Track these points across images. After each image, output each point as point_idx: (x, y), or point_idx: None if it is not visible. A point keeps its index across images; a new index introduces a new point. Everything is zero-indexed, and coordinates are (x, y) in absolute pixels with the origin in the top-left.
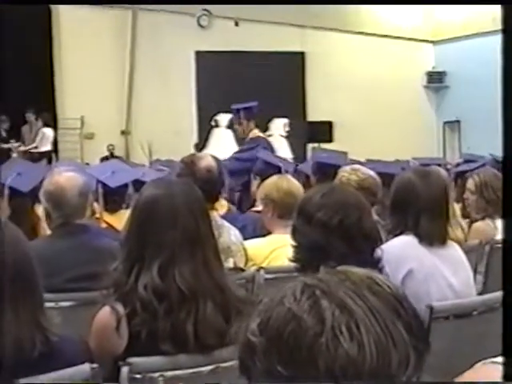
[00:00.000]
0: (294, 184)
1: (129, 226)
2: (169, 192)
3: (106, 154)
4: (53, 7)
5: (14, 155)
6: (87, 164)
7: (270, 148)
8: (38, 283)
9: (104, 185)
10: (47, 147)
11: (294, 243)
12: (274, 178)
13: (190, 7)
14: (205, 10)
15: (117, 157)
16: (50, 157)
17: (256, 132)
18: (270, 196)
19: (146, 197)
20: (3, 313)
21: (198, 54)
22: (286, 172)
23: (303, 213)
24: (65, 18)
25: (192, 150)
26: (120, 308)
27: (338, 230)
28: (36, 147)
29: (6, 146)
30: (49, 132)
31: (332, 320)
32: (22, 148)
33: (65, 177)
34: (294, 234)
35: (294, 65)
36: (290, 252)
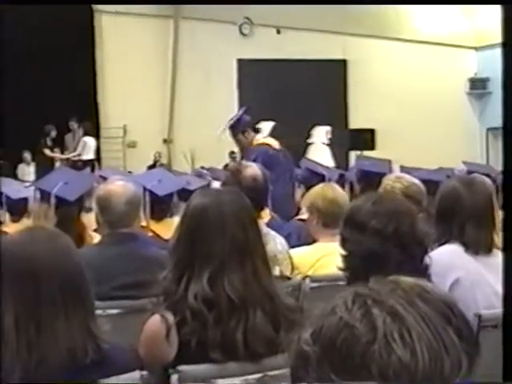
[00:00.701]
0: (339, 193)
1: (177, 234)
2: (217, 201)
3: (151, 162)
4: (96, 17)
5: (57, 163)
6: (130, 172)
7: (269, 156)
8: (89, 291)
9: (151, 193)
10: (90, 156)
11: (343, 252)
12: (319, 187)
13: (232, 15)
14: (246, 17)
15: (162, 165)
16: (93, 165)
17: (257, 139)
18: (316, 204)
19: (195, 205)
20: (56, 321)
21: (240, 61)
22: (330, 180)
23: (354, 222)
24: (107, 27)
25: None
26: (170, 316)
27: (393, 238)
28: (79, 155)
29: (50, 154)
30: (90, 141)
31: (384, 328)
32: (64, 156)
33: (116, 185)
34: (344, 243)
35: (335, 72)
36: (335, 260)
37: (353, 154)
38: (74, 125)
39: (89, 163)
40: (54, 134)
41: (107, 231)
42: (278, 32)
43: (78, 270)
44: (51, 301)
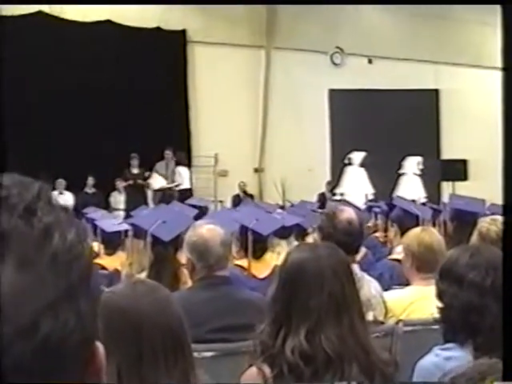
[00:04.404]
0: (435, 238)
1: (275, 288)
2: (315, 255)
3: (238, 191)
4: (188, 47)
5: (149, 192)
6: (221, 202)
7: None
8: (189, 344)
9: (254, 232)
10: (185, 185)
11: (440, 305)
12: (417, 231)
13: (323, 45)
14: (338, 47)
15: (250, 195)
16: (189, 195)
17: None
18: (411, 248)
19: (293, 260)
20: (157, 373)
21: (332, 92)
22: (424, 220)
23: (451, 274)
24: (199, 57)
25: (324, 188)
26: (267, 369)
27: (491, 291)
28: (178, 185)
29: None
30: (184, 171)
31: None
32: (156, 184)
33: (207, 229)
34: (441, 295)
35: (427, 102)
36: (429, 304)
37: (445, 185)
38: (169, 154)
39: (184, 193)
40: (136, 163)
41: (202, 275)
42: (370, 62)
43: (179, 323)
44: (153, 354)
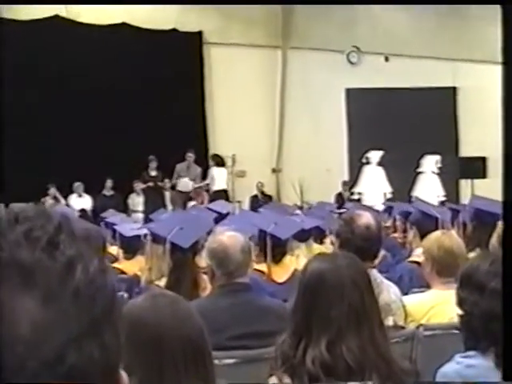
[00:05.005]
0: (455, 242)
1: (295, 299)
2: (334, 265)
3: (255, 192)
4: (205, 49)
5: (167, 194)
6: (239, 202)
7: None
8: (210, 355)
9: (273, 236)
10: (219, 186)
11: (461, 312)
12: (437, 234)
13: (340, 44)
14: (354, 46)
15: (268, 195)
16: (224, 196)
17: None
18: (431, 252)
19: (313, 270)
20: None
21: (349, 91)
22: (443, 222)
23: (472, 282)
24: (216, 59)
25: (340, 188)
26: (287, 379)
27: None
28: (208, 185)
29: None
30: (219, 172)
31: None
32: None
33: (227, 236)
34: (462, 303)
35: (445, 100)
36: (449, 309)
37: (463, 183)
38: (191, 156)
39: (220, 193)
40: (154, 165)
41: (222, 282)
42: (387, 60)
43: (199, 334)
44: (173, 365)
